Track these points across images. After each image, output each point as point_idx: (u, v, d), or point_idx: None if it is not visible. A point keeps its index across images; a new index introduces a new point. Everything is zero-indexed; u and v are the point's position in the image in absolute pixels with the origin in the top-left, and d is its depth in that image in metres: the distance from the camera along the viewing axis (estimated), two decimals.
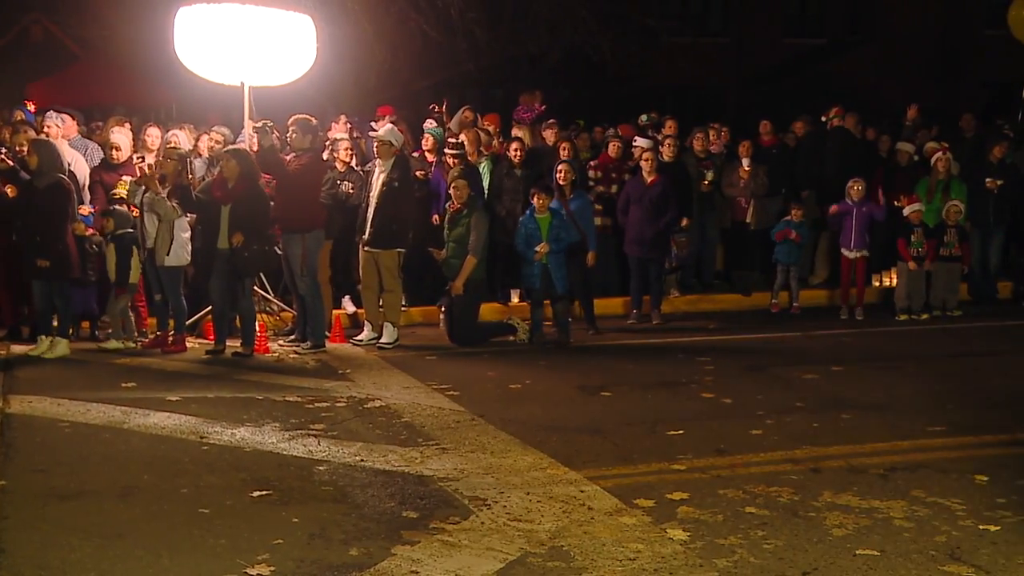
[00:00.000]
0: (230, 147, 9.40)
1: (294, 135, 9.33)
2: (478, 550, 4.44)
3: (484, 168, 10.72)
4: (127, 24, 15.95)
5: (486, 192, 10.47)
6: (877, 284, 11.99)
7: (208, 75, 9.76)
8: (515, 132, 11.82)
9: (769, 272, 11.63)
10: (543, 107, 12.58)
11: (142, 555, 4.39)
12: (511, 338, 9.54)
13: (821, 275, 12.41)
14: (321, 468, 5.63)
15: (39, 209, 8.67)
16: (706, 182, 11.64)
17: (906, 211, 11.01)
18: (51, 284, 8.77)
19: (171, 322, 9.14)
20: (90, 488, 5.28)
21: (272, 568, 4.24)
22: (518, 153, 10.80)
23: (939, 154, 11.65)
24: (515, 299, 10.81)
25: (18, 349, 8.98)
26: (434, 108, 12.02)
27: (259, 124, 9.19)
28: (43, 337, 8.76)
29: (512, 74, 17.66)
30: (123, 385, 7.68)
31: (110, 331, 9.27)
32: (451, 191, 9.56)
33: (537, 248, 9.40)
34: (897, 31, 23.37)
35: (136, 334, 9.22)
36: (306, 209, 9.16)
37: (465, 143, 10.63)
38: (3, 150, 9.47)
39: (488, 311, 10.22)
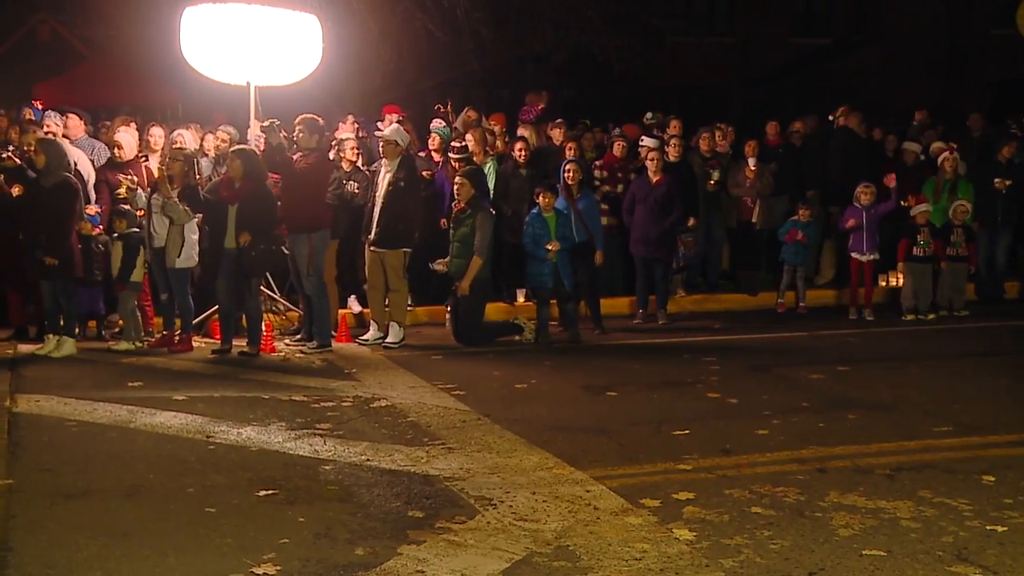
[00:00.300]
0: (236, 147, 9.41)
1: (300, 135, 9.34)
2: (484, 550, 4.44)
3: (489, 168, 10.72)
4: (133, 24, 15.98)
5: (492, 192, 10.46)
6: (884, 284, 11.97)
7: (214, 75, 9.78)
8: (520, 132, 11.83)
9: (775, 272, 11.63)
10: (541, 107, 12.57)
11: (148, 554, 4.39)
12: (517, 338, 9.54)
13: (827, 275, 12.40)
14: (327, 467, 5.63)
15: (45, 208, 8.68)
16: (712, 182, 11.63)
17: (913, 211, 10.99)
18: (56, 283, 8.79)
19: (178, 322, 9.15)
20: (96, 487, 5.29)
21: (278, 567, 4.24)
22: (523, 153, 10.81)
23: (946, 154, 11.63)
24: (521, 299, 10.81)
25: (25, 348, 9.00)
26: (439, 108, 12.02)
27: (266, 123, 9.20)
28: (50, 336, 8.79)
29: (518, 74, 17.67)
30: (129, 384, 7.69)
31: (117, 331, 9.30)
32: (454, 191, 9.57)
33: (548, 247, 9.41)
34: (903, 30, 23.33)
35: (143, 333, 9.24)
36: (312, 209, 9.17)
37: (471, 143, 10.65)
38: (10, 149, 9.50)
39: (494, 311, 10.22)
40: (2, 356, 8.76)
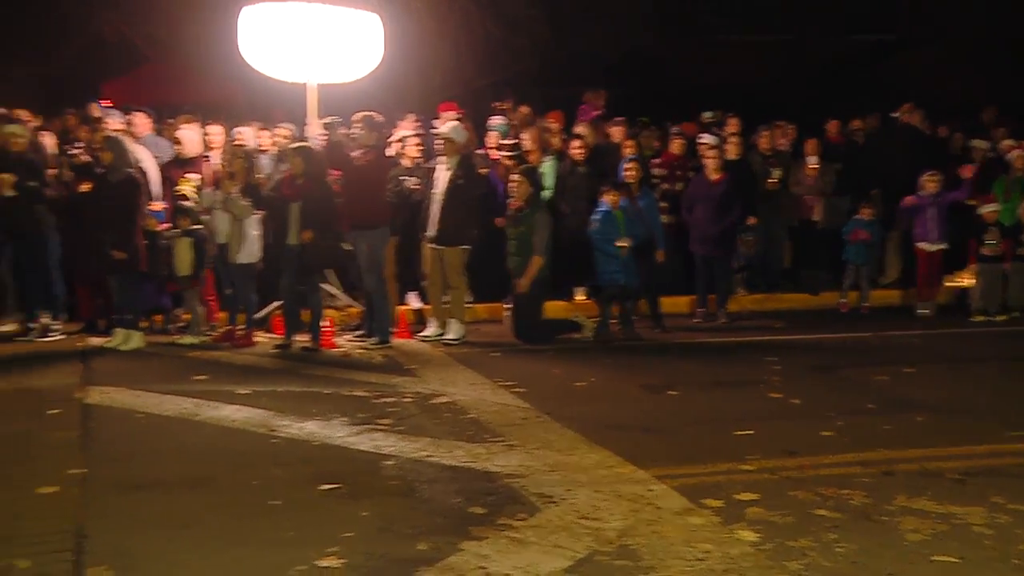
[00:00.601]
0: (297, 144, 9.52)
1: (360, 132, 9.41)
2: (546, 547, 4.42)
3: (548, 166, 10.70)
4: (195, 23, 16.22)
5: (551, 190, 10.46)
6: (952, 284, 11.74)
7: (274, 73, 9.89)
8: (578, 129, 11.79)
9: (837, 271, 11.46)
10: (597, 113, 12.50)
11: (214, 545, 4.45)
12: (576, 336, 9.52)
13: (892, 275, 12.19)
14: (388, 463, 5.66)
15: (112, 204, 8.86)
16: (773, 180, 11.50)
17: (982, 210, 10.76)
18: (123, 278, 8.96)
19: (240, 317, 9.28)
20: (164, 478, 5.37)
21: (342, 561, 4.26)
22: (581, 151, 10.77)
23: (1017, 151, 11.36)
24: (580, 296, 10.78)
25: (95, 341, 9.19)
26: (500, 106, 12.03)
27: (327, 120, 9.29)
28: (118, 329, 8.96)
29: (574, 72, 17.62)
30: (195, 378, 7.82)
31: (183, 325, 9.46)
32: (510, 188, 9.58)
33: (621, 243, 9.39)
34: (965, 25, 22.81)
35: (206, 328, 9.38)
36: (372, 206, 9.23)
37: (527, 141, 10.64)
38: (79, 146, 9.70)
39: (553, 309, 10.21)
40: (73, 349, 8.97)
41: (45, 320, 9.43)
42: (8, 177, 9.13)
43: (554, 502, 4.99)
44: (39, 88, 16.19)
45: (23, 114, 10.29)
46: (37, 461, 5.63)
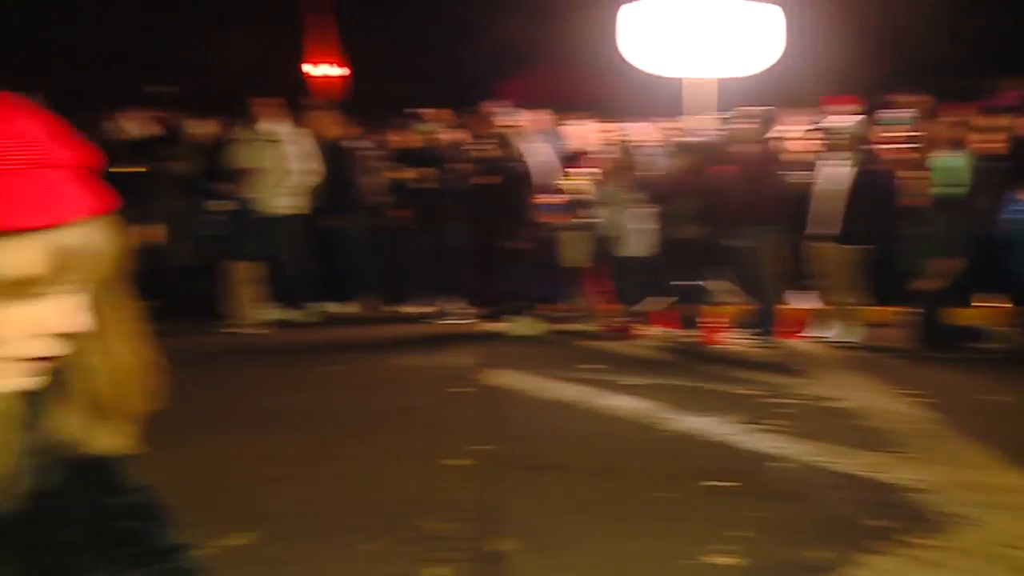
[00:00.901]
0: (686, 139, 9.53)
1: (751, 127, 9.23)
2: (957, 572, 4.03)
3: (956, 161, 9.85)
4: (584, 25, 16.79)
5: (962, 186, 9.63)
6: None
7: (657, 69, 9.96)
8: (993, 121, 10.72)
9: None
10: (1016, 101, 11.29)
11: (603, 531, 4.52)
12: (986, 344, 8.69)
13: None
14: (775, 464, 5.46)
15: (505, 196, 9.39)
16: None
17: None
18: (518, 266, 9.47)
19: (628, 309, 9.45)
20: (555, 461, 5.54)
21: (729, 560, 4.16)
22: (995, 144, 9.79)
23: None
24: (989, 302, 9.81)
25: (492, 326, 9.77)
26: (900, 98, 11.27)
27: (723, 115, 9.21)
28: (514, 316, 9.48)
29: (977, 60, 16.15)
30: (583, 366, 8.01)
31: (573, 314, 9.81)
32: (911, 184, 8.92)
33: None
34: None
35: (595, 318, 9.65)
36: (762, 202, 9.00)
37: (927, 135, 9.90)
38: (480, 142, 10.37)
39: (958, 314, 9.38)
40: (473, 332, 9.60)
41: (449, 304, 10.21)
42: (428, 171, 10.03)
43: (965, 524, 4.54)
44: (444, 87, 17.56)
45: (433, 113, 11.21)
46: (441, 435, 6.06)
